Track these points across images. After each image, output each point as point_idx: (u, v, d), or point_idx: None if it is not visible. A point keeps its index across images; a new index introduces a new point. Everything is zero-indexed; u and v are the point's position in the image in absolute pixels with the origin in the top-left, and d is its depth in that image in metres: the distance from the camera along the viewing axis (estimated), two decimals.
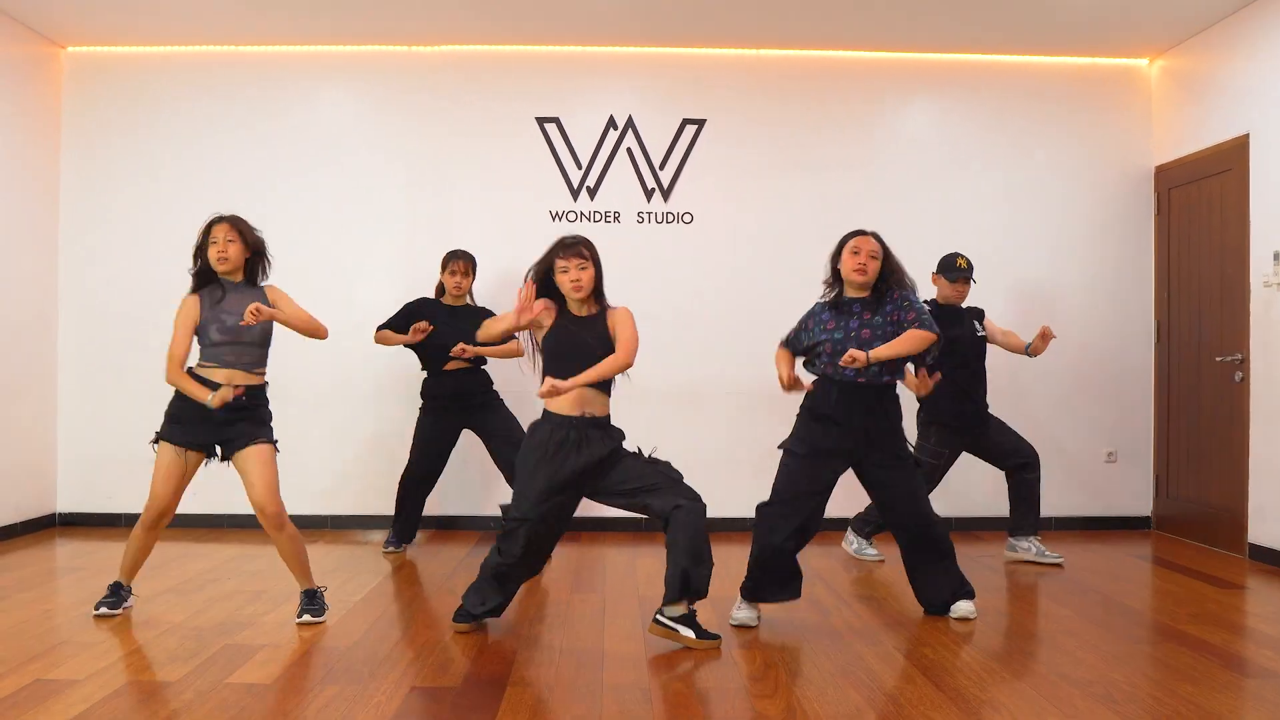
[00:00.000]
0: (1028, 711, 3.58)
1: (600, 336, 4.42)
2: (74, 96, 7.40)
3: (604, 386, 4.45)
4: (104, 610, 4.75)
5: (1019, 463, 6.19)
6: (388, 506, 7.24)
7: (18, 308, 6.98)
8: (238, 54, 7.39)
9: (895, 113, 7.54)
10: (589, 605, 5.11)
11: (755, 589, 4.75)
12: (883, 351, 4.51)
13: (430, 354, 6.35)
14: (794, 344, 4.93)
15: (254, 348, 4.73)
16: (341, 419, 7.29)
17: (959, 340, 5.93)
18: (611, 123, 7.41)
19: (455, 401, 6.37)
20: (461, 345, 6.13)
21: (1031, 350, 6.22)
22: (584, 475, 4.40)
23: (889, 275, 4.72)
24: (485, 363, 6.42)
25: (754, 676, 3.97)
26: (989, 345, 6.23)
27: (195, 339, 4.75)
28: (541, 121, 7.39)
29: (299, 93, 7.42)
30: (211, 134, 7.38)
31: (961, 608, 4.83)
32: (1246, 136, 6.47)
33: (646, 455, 4.53)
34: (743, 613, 4.74)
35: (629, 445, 4.55)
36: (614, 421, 4.55)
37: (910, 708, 3.61)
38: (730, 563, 5.63)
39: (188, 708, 3.53)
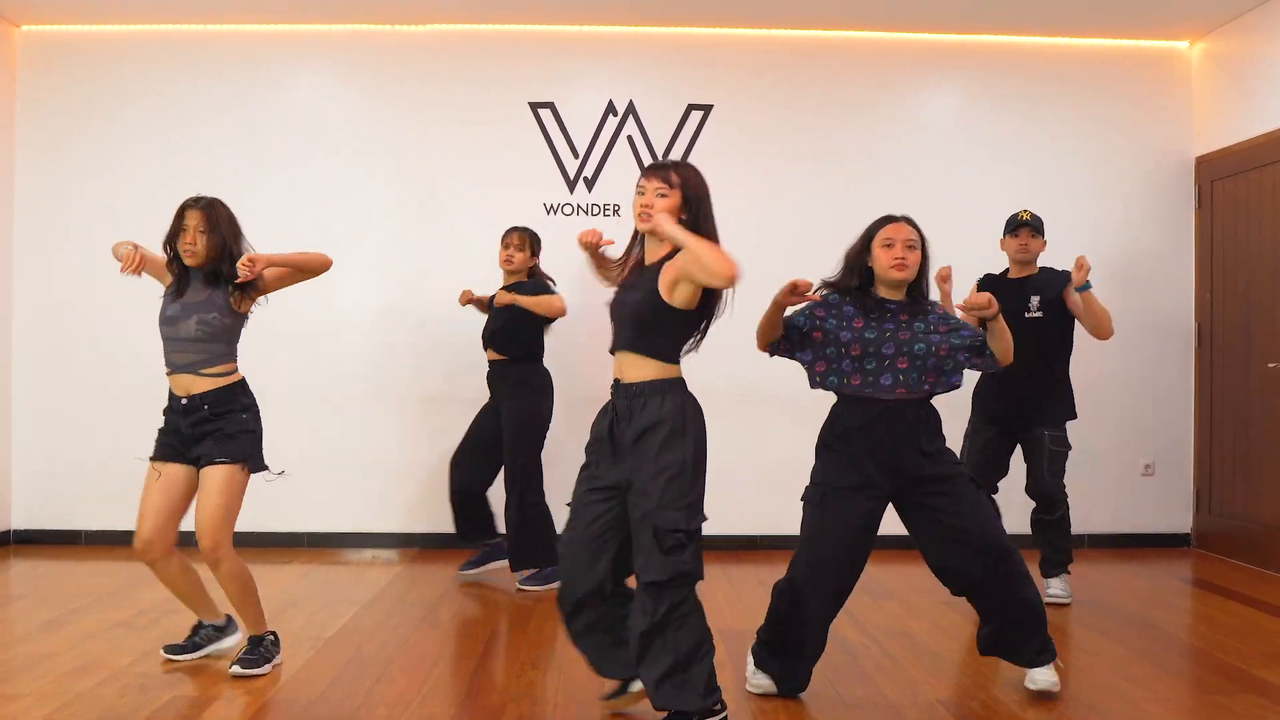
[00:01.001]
0: None
1: (647, 292, 3.39)
2: (30, 80, 6.84)
3: (649, 351, 3.39)
4: (168, 656, 4.22)
5: (1036, 499, 5.39)
6: (374, 523, 6.81)
7: None
8: (210, 33, 6.84)
9: (916, 98, 7.02)
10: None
11: (769, 660, 3.96)
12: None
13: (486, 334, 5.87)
14: (789, 323, 3.97)
15: (192, 344, 4.11)
16: (321, 425, 6.74)
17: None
18: (611, 108, 6.88)
19: (492, 394, 5.86)
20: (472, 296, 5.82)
21: (1075, 284, 5.29)
22: (600, 451, 3.46)
23: (924, 275, 3.93)
24: (527, 357, 5.77)
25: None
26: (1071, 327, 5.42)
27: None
28: (535, 107, 6.86)
29: (275, 75, 6.88)
30: (182, 121, 6.84)
31: (1040, 678, 3.85)
32: None
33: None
34: (762, 679, 3.94)
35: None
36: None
37: None
38: (744, 589, 5.10)
39: None
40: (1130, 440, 6.96)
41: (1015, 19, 6.71)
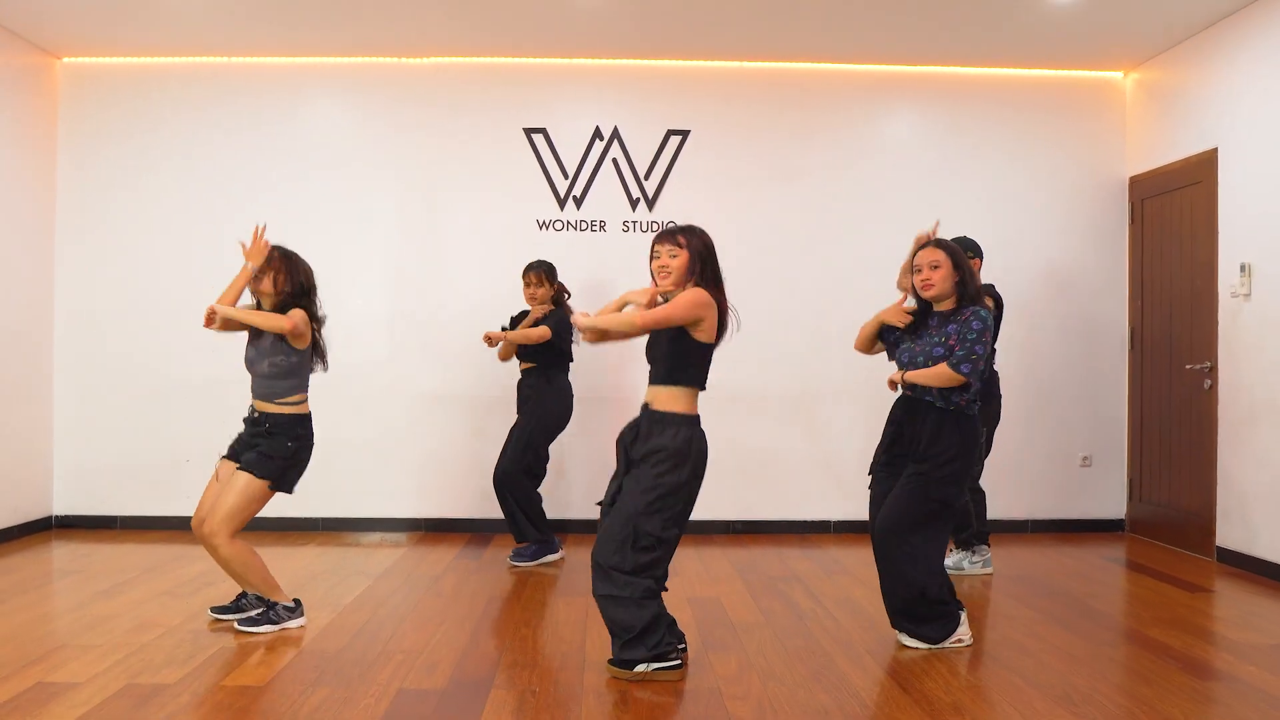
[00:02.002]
0: (989, 714, 3.75)
1: (669, 332, 4.17)
2: (70, 107, 7.53)
3: (680, 380, 4.17)
4: (241, 629, 4.77)
5: None
6: (378, 509, 7.47)
7: (15, 315, 7.11)
8: (230, 65, 7.53)
9: (877, 124, 7.70)
10: (574, 610, 5.26)
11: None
12: (915, 377, 4.47)
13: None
14: (885, 330, 4.76)
15: (266, 380, 4.81)
16: (335, 422, 7.38)
17: None
18: (597, 133, 7.57)
19: (518, 393, 6.56)
20: (486, 334, 6.40)
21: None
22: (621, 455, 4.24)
23: (965, 283, 4.56)
24: (545, 368, 6.42)
25: (728, 679, 4.13)
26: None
27: None
28: (529, 132, 7.54)
29: (290, 104, 7.56)
30: (204, 144, 7.52)
31: (907, 640, 4.61)
32: (1215, 151, 6.64)
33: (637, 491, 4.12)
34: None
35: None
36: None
37: (878, 710, 3.78)
38: (714, 565, 5.78)
39: (185, 710, 3.69)
40: (1070, 435, 7.65)
41: (965, 52, 7.38)
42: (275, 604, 4.82)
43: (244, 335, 4.95)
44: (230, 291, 4.87)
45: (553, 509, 6.84)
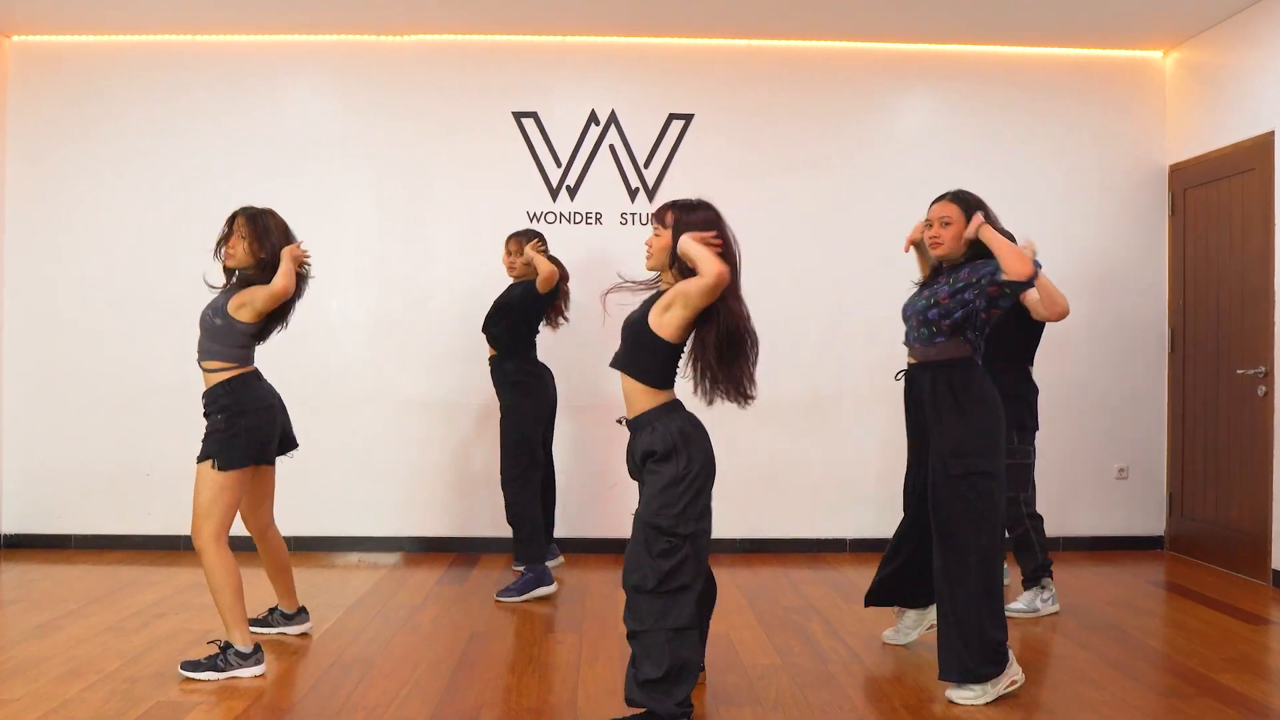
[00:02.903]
0: None
1: (637, 318, 3.62)
2: (20, 90, 6.91)
3: (635, 375, 3.58)
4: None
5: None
6: (356, 527, 6.89)
7: None
8: (198, 44, 6.93)
9: (893, 107, 7.11)
10: (565, 649, 4.68)
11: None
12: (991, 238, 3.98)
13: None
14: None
15: (203, 337, 4.40)
16: (310, 430, 6.78)
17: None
18: (593, 118, 6.97)
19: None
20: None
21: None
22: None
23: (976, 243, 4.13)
24: (506, 353, 5.88)
25: None
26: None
27: None
28: (519, 116, 6.95)
29: (263, 86, 6.96)
30: (168, 131, 6.92)
31: (959, 695, 3.98)
32: (1271, 134, 6.06)
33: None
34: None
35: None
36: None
37: None
38: (721, 592, 5.19)
39: None
40: (1104, 444, 7.07)
41: (990, 29, 6.80)
42: (230, 646, 4.21)
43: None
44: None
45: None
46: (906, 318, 4.30)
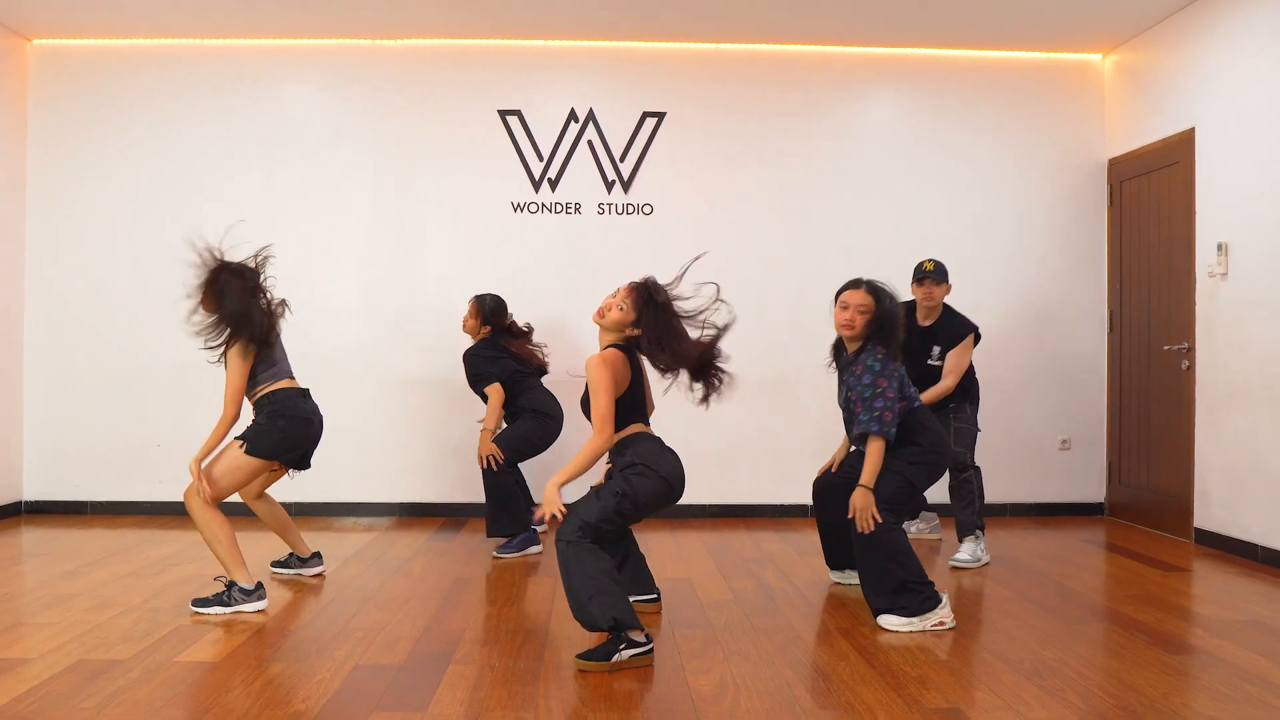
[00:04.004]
0: (955, 686, 3.70)
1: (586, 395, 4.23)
2: (40, 89, 7.45)
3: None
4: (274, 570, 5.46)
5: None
6: (352, 494, 7.40)
7: None
8: (202, 47, 7.45)
9: (854, 106, 7.64)
10: (541, 589, 5.21)
11: None
12: (865, 477, 4.59)
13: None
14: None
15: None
16: None
17: (907, 358, 5.63)
18: (572, 115, 7.50)
19: None
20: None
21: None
22: None
23: (880, 328, 4.73)
24: (511, 400, 6.33)
25: (691, 654, 4.07)
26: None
27: None
28: (503, 114, 7.47)
29: (263, 86, 7.48)
30: (176, 127, 7.44)
31: (888, 620, 4.51)
32: (1192, 131, 6.59)
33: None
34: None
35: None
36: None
37: (840, 683, 3.73)
38: (687, 547, 5.70)
39: (133, 684, 3.62)
40: (1049, 418, 7.60)
41: (943, 33, 7.32)
42: (234, 584, 4.72)
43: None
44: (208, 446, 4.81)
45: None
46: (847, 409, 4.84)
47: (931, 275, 5.94)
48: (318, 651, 4.05)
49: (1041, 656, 4.06)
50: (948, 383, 5.87)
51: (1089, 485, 7.65)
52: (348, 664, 3.90)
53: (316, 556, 5.48)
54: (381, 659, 3.97)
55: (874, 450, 4.58)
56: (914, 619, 4.46)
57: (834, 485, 4.98)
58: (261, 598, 4.77)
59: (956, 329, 5.98)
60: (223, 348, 4.78)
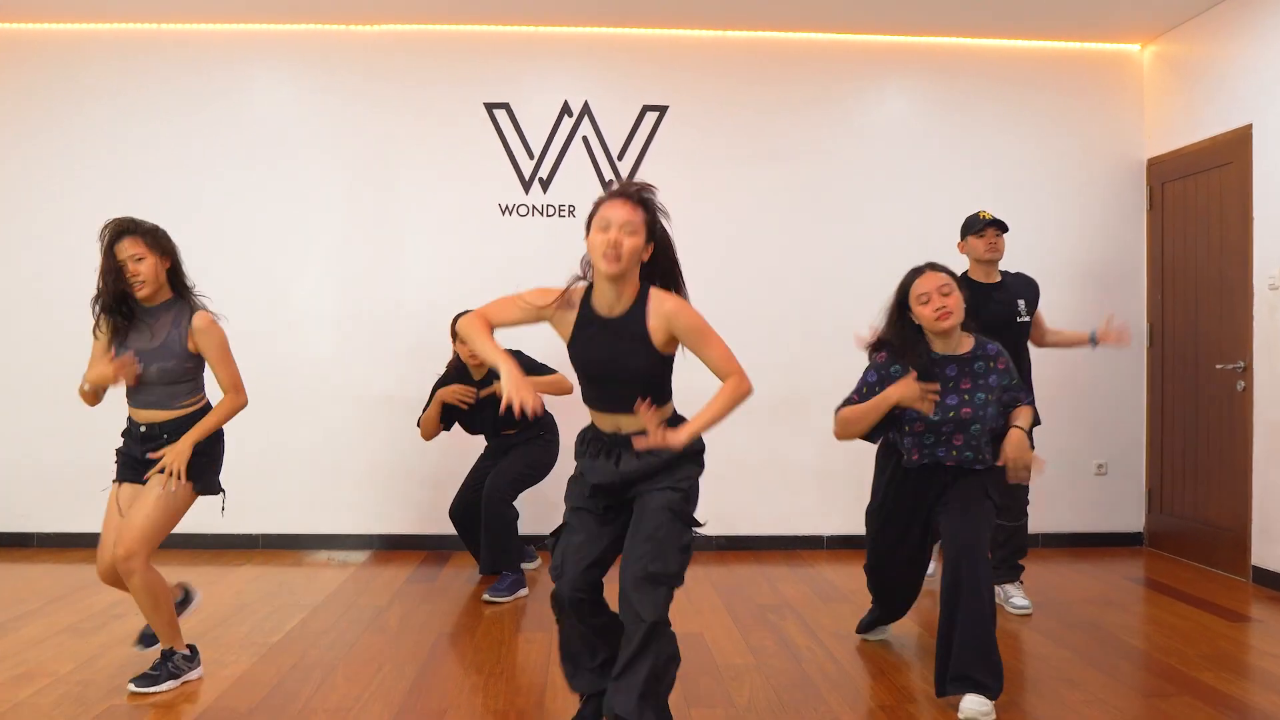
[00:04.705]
0: None
1: (638, 338, 3.20)
2: None
3: (644, 394, 3.17)
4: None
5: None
6: (324, 525, 6.78)
7: None
8: (168, 32, 6.77)
9: (870, 99, 7.02)
10: (535, 649, 4.57)
11: None
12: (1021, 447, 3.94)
13: (479, 430, 5.96)
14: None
15: (155, 388, 4.05)
16: (276, 427, 6.68)
17: (989, 323, 4.65)
18: (566, 109, 6.86)
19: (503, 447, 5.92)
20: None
21: (1099, 337, 5.49)
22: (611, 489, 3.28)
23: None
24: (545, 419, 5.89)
25: None
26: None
27: None
28: (490, 107, 6.83)
29: (233, 74, 6.81)
30: (139, 119, 6.77)
31: (969, 706, 3.69)
32: (1249, 127, 5.99)
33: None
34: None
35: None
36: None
37: None
38: (696, 590, 5.09)
39: None
40: (1084, 440, 7.00)
41: (967, 21, 6.73)
42: (175, 653, 4.04)
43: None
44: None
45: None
46: (961, 426, 3.95)
47: (996, 223, 5.27)
48: None
49: None
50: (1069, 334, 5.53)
51: (1127, 514, 7.05)
52: None
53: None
54: None
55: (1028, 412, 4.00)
56: (991, 705, 3.74)
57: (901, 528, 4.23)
58: (199, 663, 4.12)
59: (1028, 279, 5.45)
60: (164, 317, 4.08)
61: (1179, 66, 6.74)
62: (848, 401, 4.02)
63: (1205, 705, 3.85)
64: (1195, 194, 6.55)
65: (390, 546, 6.75)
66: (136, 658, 4.29)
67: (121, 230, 4.02)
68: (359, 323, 6.80)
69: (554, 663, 4.30)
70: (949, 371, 3.92)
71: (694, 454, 3.29)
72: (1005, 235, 5.36)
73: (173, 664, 4.01)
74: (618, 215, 3.09)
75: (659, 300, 3.17)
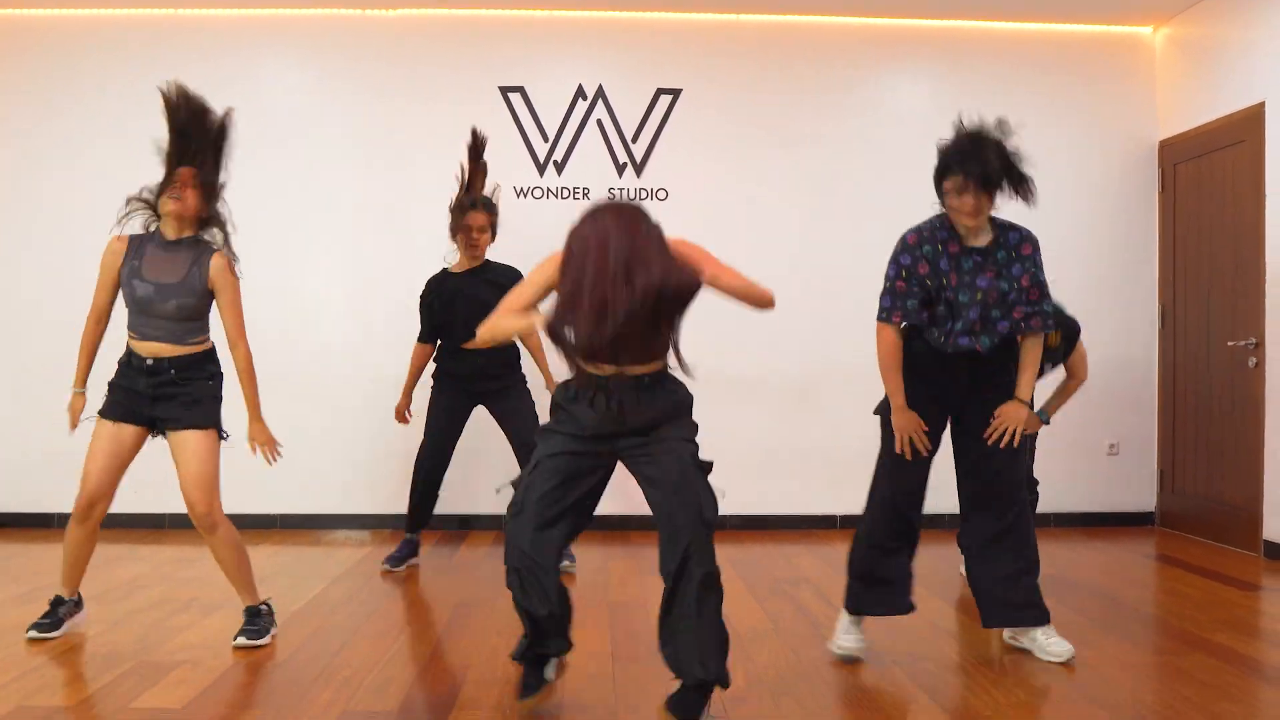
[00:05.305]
0: None
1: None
2: None
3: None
4: (34, 634, 4.08)
5: None
6: (340, 505, 6.84)
7: None
8: (175, 18, 6.84)
9: (884, 83, 7.07)
10: None
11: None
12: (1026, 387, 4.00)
13: (448, 331, 5.64)
14: (913, 303, 3.98)
15: (169, 323, 4.10)
16: (288, 411, 6.69)
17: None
18: (580, 92, 6.92)
19: (471, 382, 5.64)
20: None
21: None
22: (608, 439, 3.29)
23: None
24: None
25: (735, 699, 3.48)
26: None
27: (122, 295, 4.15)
28: (505, 91, 6.89)
29: (242, 60, 6.88)
30: (145, 108, 6.69)
31: (1054, 648, 3.91)
32: (1262, 105, 6.03)
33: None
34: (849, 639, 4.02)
35: None
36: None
37: None
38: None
39: None
40: (1095, 420, 7.01)
41: (980, 5, 6.79)
42: (260, 607, 4.19)
43: None
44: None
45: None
46: (966, 305, 3.93)
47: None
48: (299, 695, 3.46)
49: (1141, 698, 3.49)
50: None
51: (1139, 493, 7.08)
52: (332, 711, 3.30)
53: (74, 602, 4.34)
54: (373, 705, 3.37)
55: (1035, 352, 4.02)
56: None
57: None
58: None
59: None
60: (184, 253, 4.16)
61: (1191, 47, 6.78)
62: (890, 293, 4.01)
63: (1218, 661, 3.89)
64: (1208, 174, 6.59)
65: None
66: (162, 623, 4.38)
67: (185, 158, 4.31)
68: (372, 311, 6.86)
69: (579, 623, 4.34)
70: (973, 260, 3.96)
71: (689, 405, 3.39)
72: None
73: (263, 618, 4.14)
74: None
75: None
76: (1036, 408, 4.54)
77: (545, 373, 5.62)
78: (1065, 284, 6.80)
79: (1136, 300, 7.08)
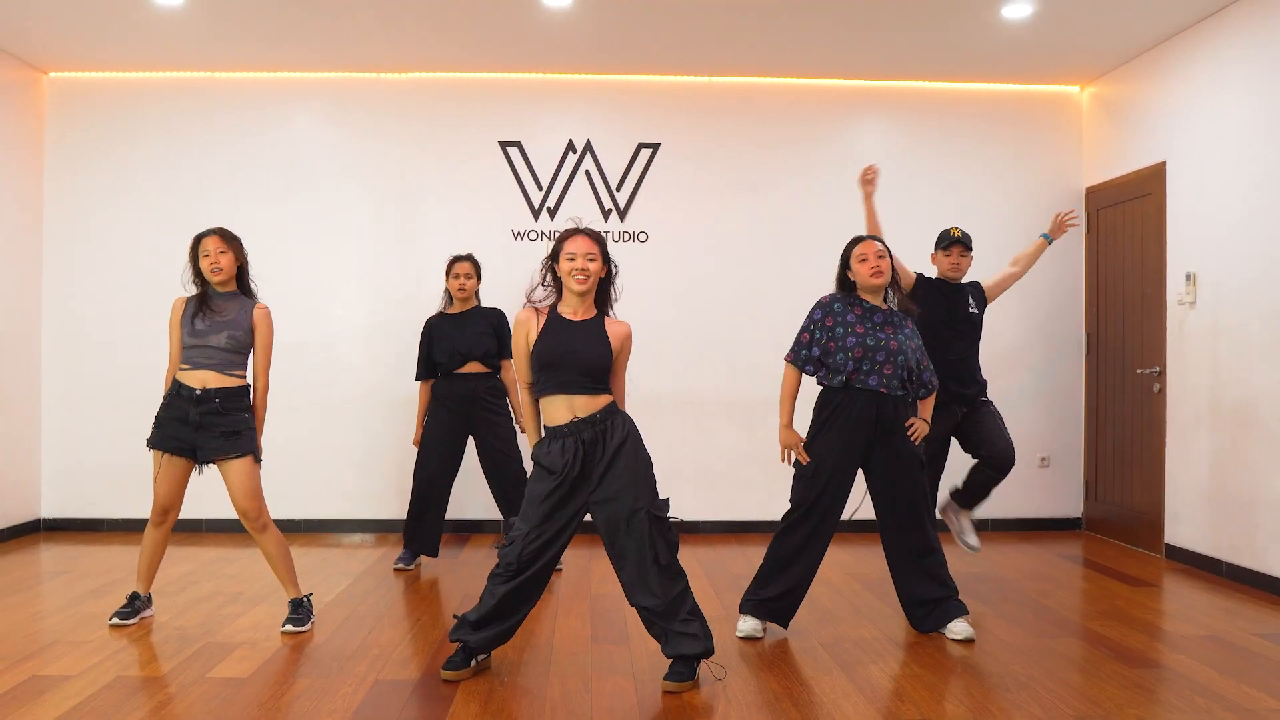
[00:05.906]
0: (928, 699, 4.00)
1: (594, 338, 4.29)
2: (56, 121, 7.73)
3: (594, 384, 4.28)
4: (116, 621, 4.98)
5: (988, 456, 5.93)
6: (360, 511, 7.70)
7: (4, 323, 7.32)
8: (213, 80, 7.75)
9: (843, 136, 7.95)
10: (543, 605, 5.50)
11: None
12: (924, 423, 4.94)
13: (441, 360, 6.42)
14: (808, 353, 4.99)
15: (221, 351, 4.93)
16: (317, 426, 7.65)
17: (950, 319, 5.79)
18: (571, 146, 7.81)
19: (463, 403, 6.38)
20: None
21: (1053, 234, 6.13)
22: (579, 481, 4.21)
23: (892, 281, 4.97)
24: (499, 370, 6.45)
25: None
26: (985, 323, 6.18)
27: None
28: (504, 145, 7.78)
29: (272, 118, 7.78)
30: (187, 157, 7.72)
31: (957, 628, 4.86)
32: (1164, 164, 6.91)
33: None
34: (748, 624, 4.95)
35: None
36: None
37: (824, 696, 4.03)
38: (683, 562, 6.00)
39: (172, 700, 3.91)
40: (1029, 436, 7.89)
41: (929, 67, 7.64)
42: (303, 599, 5.08)
43: None
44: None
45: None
46: (890, 356, 4.81)
47: (961, 241, 5.84)
48: (339, 667, 4.35)
49: (1010, 670, 4.37)
50: (1023, 256, 6.25)
51: (1068, 501, 7.97)
52: (368, 679, 4.19)
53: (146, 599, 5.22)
54: (399, 675, 4.27)
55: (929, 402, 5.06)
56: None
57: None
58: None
59: (974, 283, 6.04)
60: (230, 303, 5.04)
61: (1111, 106, 7.66)
62: (798, 342, 5.06)
63: (1082, 643, 4.79)
64: (1124, 220, 7.47)
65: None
66: (218, 612, 5.26)
67: (209, 230, 5.05)
68: (386, 336, 7.74)
69: (559, 614, 5.24)
70: (876, 318, 4.90)
71: (639, 441, 4.34)
72: (972, 251, 5.97)
73: (304, 608, 5.02)
74: (581, 247, 4.29)
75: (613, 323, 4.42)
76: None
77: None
78: (1003, 314, 7.74)
79: (1067, 330, 7.95)
